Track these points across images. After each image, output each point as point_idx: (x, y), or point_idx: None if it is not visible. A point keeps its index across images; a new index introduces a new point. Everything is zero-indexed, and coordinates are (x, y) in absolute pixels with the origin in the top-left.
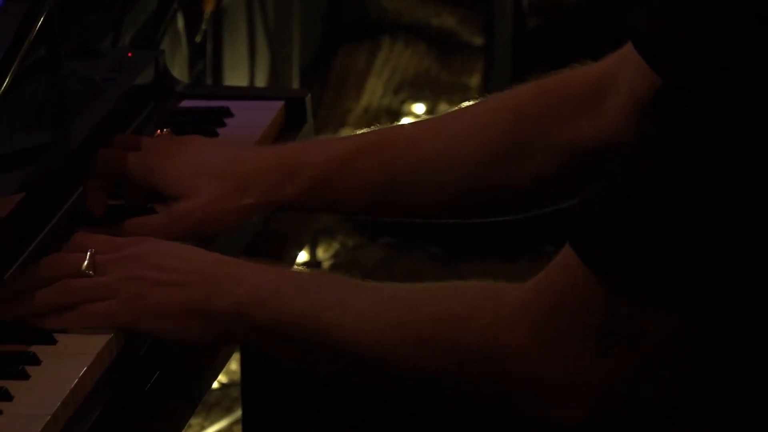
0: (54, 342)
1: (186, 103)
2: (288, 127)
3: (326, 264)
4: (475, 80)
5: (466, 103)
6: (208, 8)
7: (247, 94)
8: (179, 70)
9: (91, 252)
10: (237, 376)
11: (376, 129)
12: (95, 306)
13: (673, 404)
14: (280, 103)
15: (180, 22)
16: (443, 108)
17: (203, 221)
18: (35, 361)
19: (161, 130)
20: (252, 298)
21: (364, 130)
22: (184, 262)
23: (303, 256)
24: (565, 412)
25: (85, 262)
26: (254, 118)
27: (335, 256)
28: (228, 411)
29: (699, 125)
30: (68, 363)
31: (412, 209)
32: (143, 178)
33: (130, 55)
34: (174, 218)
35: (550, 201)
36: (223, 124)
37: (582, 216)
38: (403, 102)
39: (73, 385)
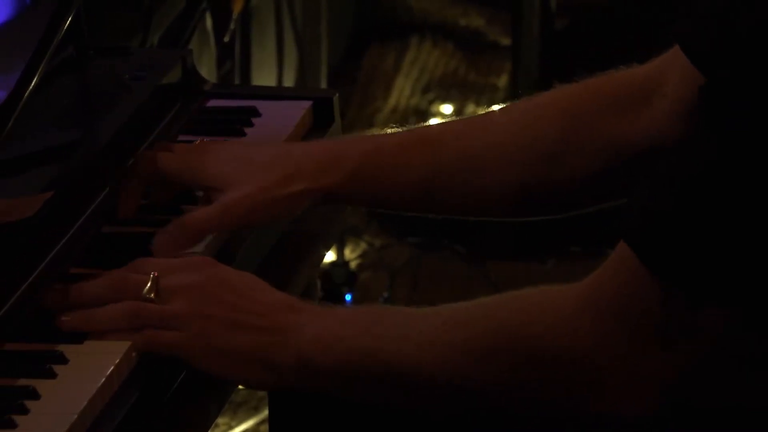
0: (81, 341)
1: (213, 103)
2: (316, 127)
3: (353, 264)
4: (502, 81)
5: (496, 106)
6: (237, 8)
7: (275, 93)
8: (207, 70)
9: (154, 275)
10: None
11: (423, 125)
12: (161, 334)
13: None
14: (307, 103)
15: (208, 22)
16: (471, 108)
17: (253, 210)
18: (62, 360)
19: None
20: (315, 346)
21: (397, 129)
22: (251, 303)
23: (330, 256)
24: (631, 408)
25: (147, 286)
26: (282, 118)
27: (362, 255)
28: (255, 410)
29: (751, 124)
30: (95, 362)
31: (453, 205)
32: (180, 174)
33: (157, 54)
34: (224, 208)
35: (592, 201)
36: (251, 124)
37: (637, 213)
38: (431, 102)
39: (99, 385)
